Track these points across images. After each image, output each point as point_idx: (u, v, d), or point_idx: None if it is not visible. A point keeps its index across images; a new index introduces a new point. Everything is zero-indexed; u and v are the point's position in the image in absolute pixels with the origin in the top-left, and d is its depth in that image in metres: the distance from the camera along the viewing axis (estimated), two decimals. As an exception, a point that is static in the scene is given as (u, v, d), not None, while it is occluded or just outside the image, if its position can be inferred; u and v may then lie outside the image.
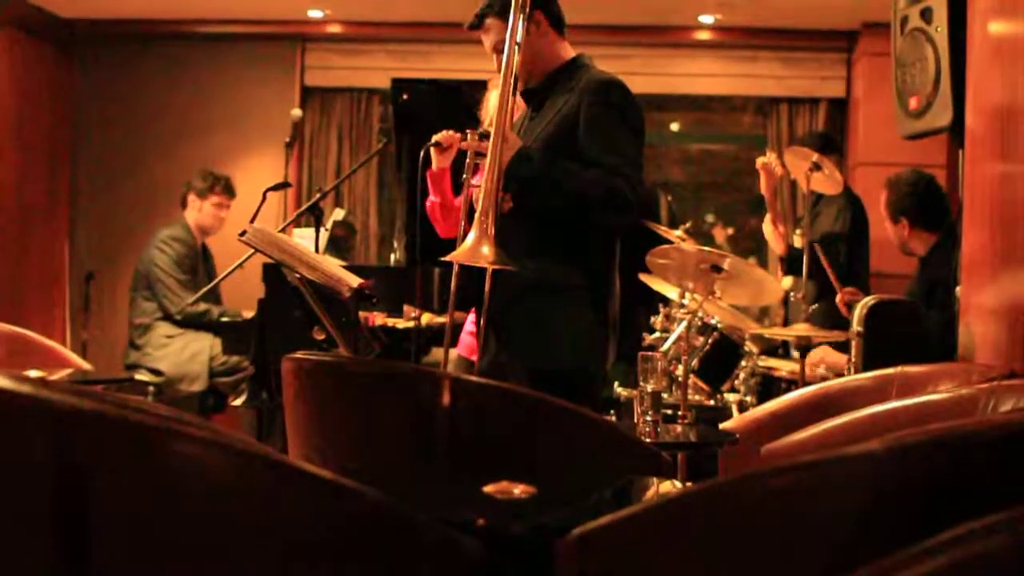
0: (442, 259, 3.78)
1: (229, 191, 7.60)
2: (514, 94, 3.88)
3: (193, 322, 7.26)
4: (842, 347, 5.72)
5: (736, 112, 10.10)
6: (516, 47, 3.83)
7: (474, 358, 4.30)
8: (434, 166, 4.55)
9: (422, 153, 4.57)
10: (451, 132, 4.53)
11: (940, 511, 1.77)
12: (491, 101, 4.93)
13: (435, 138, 4.51)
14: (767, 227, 6.74)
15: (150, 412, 1.86)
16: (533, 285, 3.90)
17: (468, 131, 4.12)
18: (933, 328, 5.52)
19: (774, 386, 5.94)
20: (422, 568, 1.94)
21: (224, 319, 7.17)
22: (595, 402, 4.02)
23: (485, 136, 4.03)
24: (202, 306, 7.17)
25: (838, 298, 6.02)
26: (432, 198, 4.65)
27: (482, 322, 3.97)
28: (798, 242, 6.53)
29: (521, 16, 3.85)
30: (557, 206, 3.90)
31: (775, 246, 6.76)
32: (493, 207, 3.63)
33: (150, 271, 7.34)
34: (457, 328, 4.87)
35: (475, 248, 3.59)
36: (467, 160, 4.03)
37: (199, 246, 7.58)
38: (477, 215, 3.62)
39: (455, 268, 3.97)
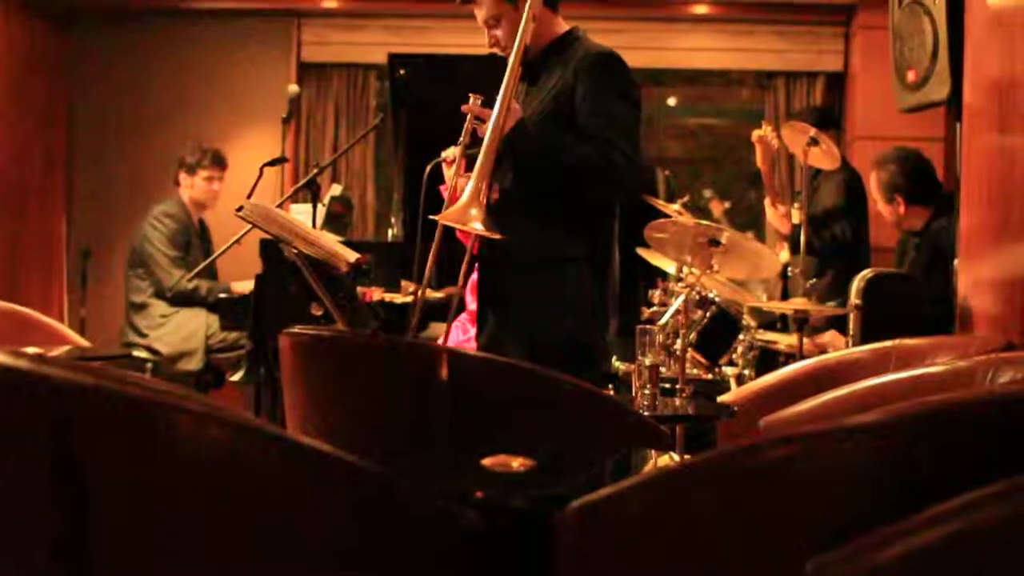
0: (431, 217, 3.79)
1: (218, 163, 7.55)
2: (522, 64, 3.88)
3: (185, 301, 7.25)
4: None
5: (733, 86, 10.08)
6: (532, 20, 3.85)
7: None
8: (448, 183, 4.56)
9: (428, 168, 4.57)
10: (455, 149, 4.54)
11: (938, 482, 1.77)
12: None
13: (443, 154, 4.52)
14: (769, 210, 6.78)
15: (148, 387, 1.86)
16: (532, 259, 3.90)
17: (471, 95, 4.11)
18: (934, 301, 5.53)
19: (772, 359, 5.94)
20: (421, 541, 1.94)
21: (219, 296, 7.15)
22: (595, 375, 4.02)
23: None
24: (192, 284, 7.16)
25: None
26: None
27: (467, 283, 3.97)
28: (796, 217, 6.53)
29: None
30: (554, 177, 3.89)
31: (779, 227, 6.78)
32: (489, 170, 3.63)
33: (143, 248, 7.32)
34: (444, 304, 4.89)
35: (465, 209, 3.59)
36: (466, 123, 4.02)
37: (194, 222, 7.55)
38: (472, 181, 3.62)
39: (470, 248, 4.00)
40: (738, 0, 9.00)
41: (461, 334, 5.17)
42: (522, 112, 3.95)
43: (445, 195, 4.59)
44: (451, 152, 4.51)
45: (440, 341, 4.87)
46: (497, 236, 3.66)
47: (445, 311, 5.44)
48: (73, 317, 8.81)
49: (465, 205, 3.60)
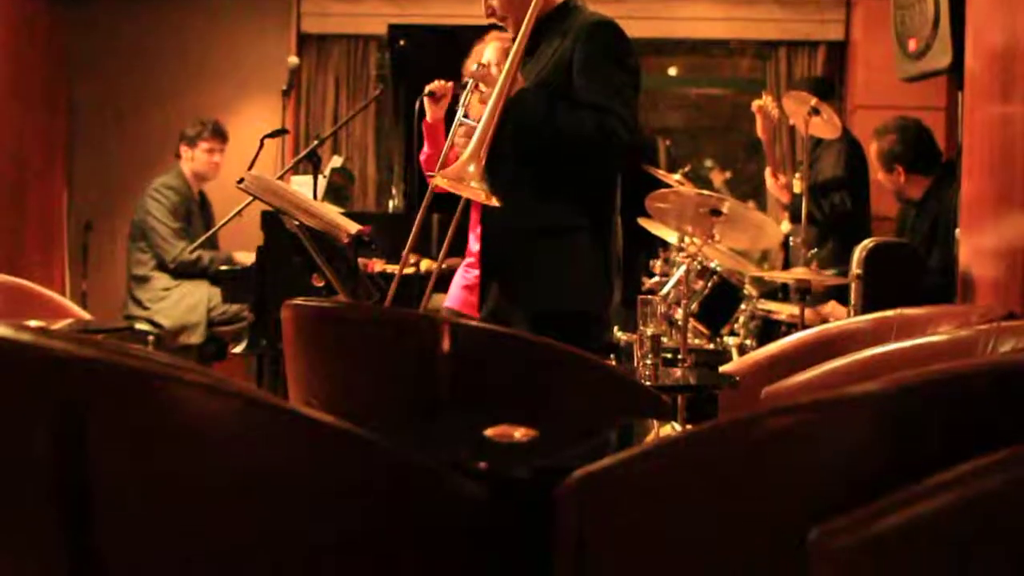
0: (428, 174, 3.80)
1: (218, 134, 7.56)
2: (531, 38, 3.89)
3: (188, 271, 7.26)
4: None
5: (734, 56, 10.04)
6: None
7: (467, 311, 4.35)
8: (428, 117, 4.54)
9: (417, 105, 4.55)
10: (444, 81, 4.52)
11: (939, 451, 1.78)
12: (486, 54, 4.91)
13: (428, 88, 4.49)
14: (769, 180, 6.78)
15: (150, 359, 1.86)
16: (535, 228, 3.90)
17: (478, 63, 4.11)
18: (936, 269, 5.54)
19: (774, 329, 5.94)
20: (423, 511, 1.95)
21: (221, 267, 7.15)
22: (597, 346, 4.02)
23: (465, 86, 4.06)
24: (195, 255, 7.17)
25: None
26: (426, 150, 4.64)
27: (471, 252, 3.98)
28: (798, 187, 6.53)
29: None
30: (551, 144, 3.88)
31: (779, 196, 6.78)
32: (491, 134, 3.62)
33: (144, 220, 7.33)
34: (447, 276, 4.89)
35: (463, 167, 3.57)
36: (468, 87, 4.03)
37: (195, 194, 7.56)
38: (476, 137, 3.60)
39: (457, 214, 4.00)
40: (739, -30, 8.99)
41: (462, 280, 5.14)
42: (523, 81, 3.96)
43: (425, 132, 4.60)
44: (436, 85, 4.49)
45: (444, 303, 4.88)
46: (494, 202, 3.66)
47: (446, 282, 5.43)
48: (75, 290, 8.81)
49: (463, 163, 3.58)
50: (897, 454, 1.85)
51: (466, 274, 4.89)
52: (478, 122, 3.72)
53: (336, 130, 8.59)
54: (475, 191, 3.62)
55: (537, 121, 3.84)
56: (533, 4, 3.85)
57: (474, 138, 3.61)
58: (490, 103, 3.70)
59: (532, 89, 3.91)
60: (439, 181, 3.73)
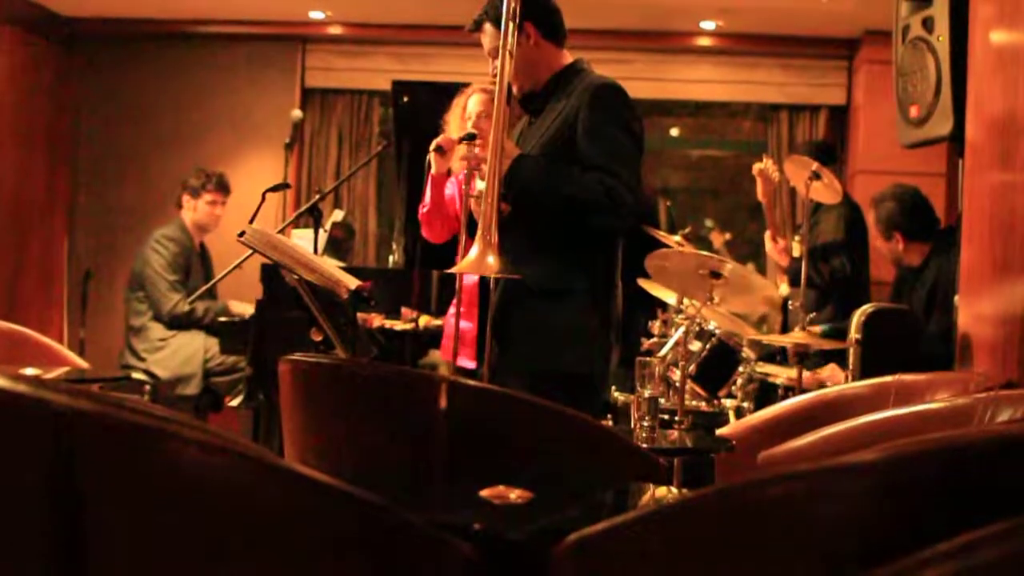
0: (447, 272, 3.81)
1: (222, 187, 7.56)
2: (507, 103, 3.89)
3: (181, 324, 7.24)
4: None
5: (736, 118, 10.10)
6: (508, 56, 3.84)
7: (461, 363, 4.36)
8: (434, 170, 4.56)
9: (427, 160, 4.58)
10: (449, 135, 4.55)
11: (937, 522, 1.77)
12: (470, 106, 4.95)
13: (435, 142, 4.51)
14: (768, 244, 6.78)
15: (146, 412, 1.86)
16: (534, 289, 3.90)
17: (460, 141, 4.17)
18: (935, 335, 5.53)
19: (771, 392, 5.93)
20: (418, 572, 1.94)
21: (217, 317, 7.14)
22: (596, 406, 4.02)
23: (471, 137, 4.07)
24: (187, 307, 7.15)
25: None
26: (427, 202, 4.65)
27: (487, 329, 3.98)
28: (797, 251, 6.53)
29: (512, 25, 3.85)
30: (555, 210, 3.90)
31: (779, 260, 6.79)
32: (495, 219, 3.63)
33: (143, 271, 7.32)
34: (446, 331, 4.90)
35: (480, 259, 3.59)
36: (465, 168, 4.06)
37: (196, 245, 7.55)
38: (480, 229, 3.61)
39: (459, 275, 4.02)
40: (742, 33, 9.04)
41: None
42: (523, 145, 3.99)
43: (430, 185, 4.62)
44: (444, 139, 4.52)
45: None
46: (516, 276, 3.68)
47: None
48: (73, 337, 8.81)
49: (480, 255, 3.60)
50: (893, 525, 1.84)
51: (463, 324, 4.89)
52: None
53: (338, 185, 8.63)
54: (502, 275, 3.67)
55: (537, 187, 3.87)
56: (499, 79, 3.85)
57: (479, 229, 3.63)
58: (485, 189, 3.72)
59: (532, 155, 3.93)
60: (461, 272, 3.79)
